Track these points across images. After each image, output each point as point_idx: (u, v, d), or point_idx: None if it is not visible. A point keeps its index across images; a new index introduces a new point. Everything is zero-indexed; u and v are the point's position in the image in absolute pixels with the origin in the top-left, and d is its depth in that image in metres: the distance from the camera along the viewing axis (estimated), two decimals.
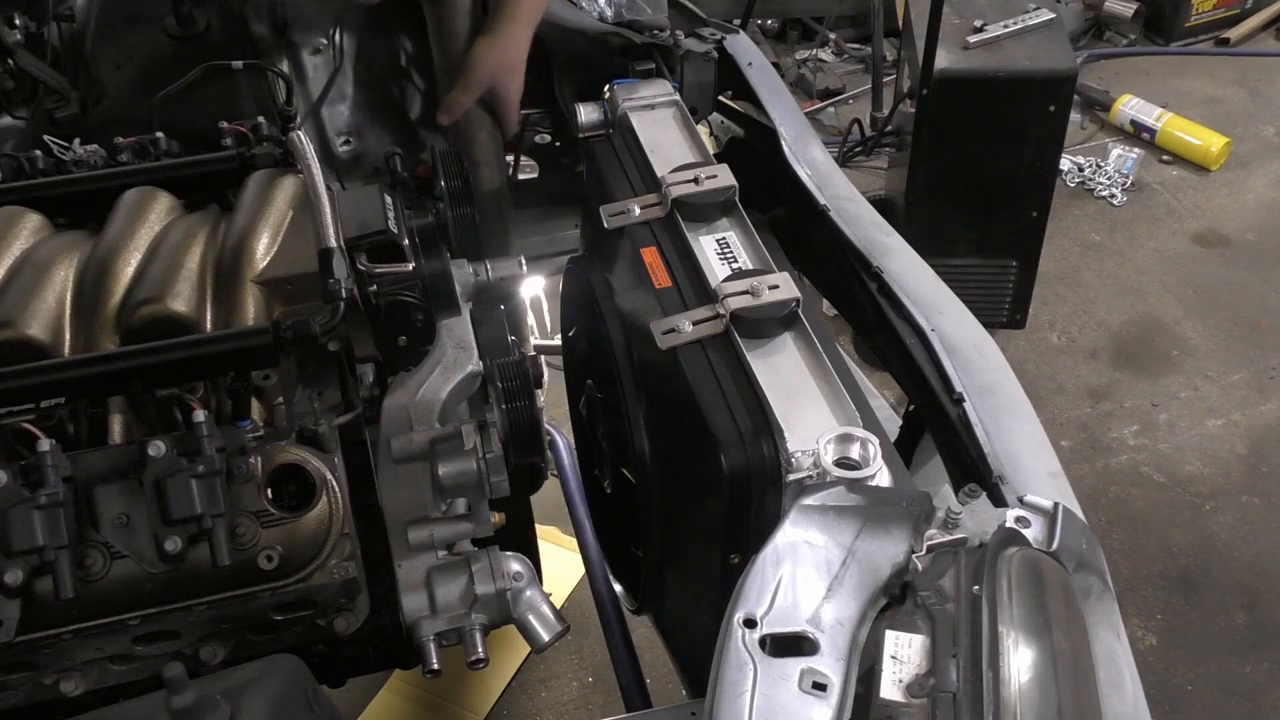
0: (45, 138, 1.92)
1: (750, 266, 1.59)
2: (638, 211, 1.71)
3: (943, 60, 3.09)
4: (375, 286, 1.54)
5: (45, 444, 1.33)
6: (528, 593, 1.54)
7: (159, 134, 1.87)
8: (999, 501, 1.37)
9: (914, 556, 1.14)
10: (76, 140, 1.89)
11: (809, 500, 1.19)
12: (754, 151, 2.17)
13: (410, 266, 1.57)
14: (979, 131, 3.18)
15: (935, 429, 1.62)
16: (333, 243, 1.48)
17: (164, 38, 2.20)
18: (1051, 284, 4.15)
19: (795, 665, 1.02)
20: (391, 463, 1.50)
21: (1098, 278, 4.27)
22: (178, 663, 1.11)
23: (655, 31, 2.06)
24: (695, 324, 1.49)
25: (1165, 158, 4.86)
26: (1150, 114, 4.89)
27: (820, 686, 1.01)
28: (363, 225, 1.56)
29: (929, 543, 1.16)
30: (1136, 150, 4.80)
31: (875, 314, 1.77)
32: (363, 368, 1.58)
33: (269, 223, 1.58)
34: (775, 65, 2.42)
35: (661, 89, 2.00)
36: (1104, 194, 4.67)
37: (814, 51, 5.44)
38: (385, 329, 1.57)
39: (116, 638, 1.42)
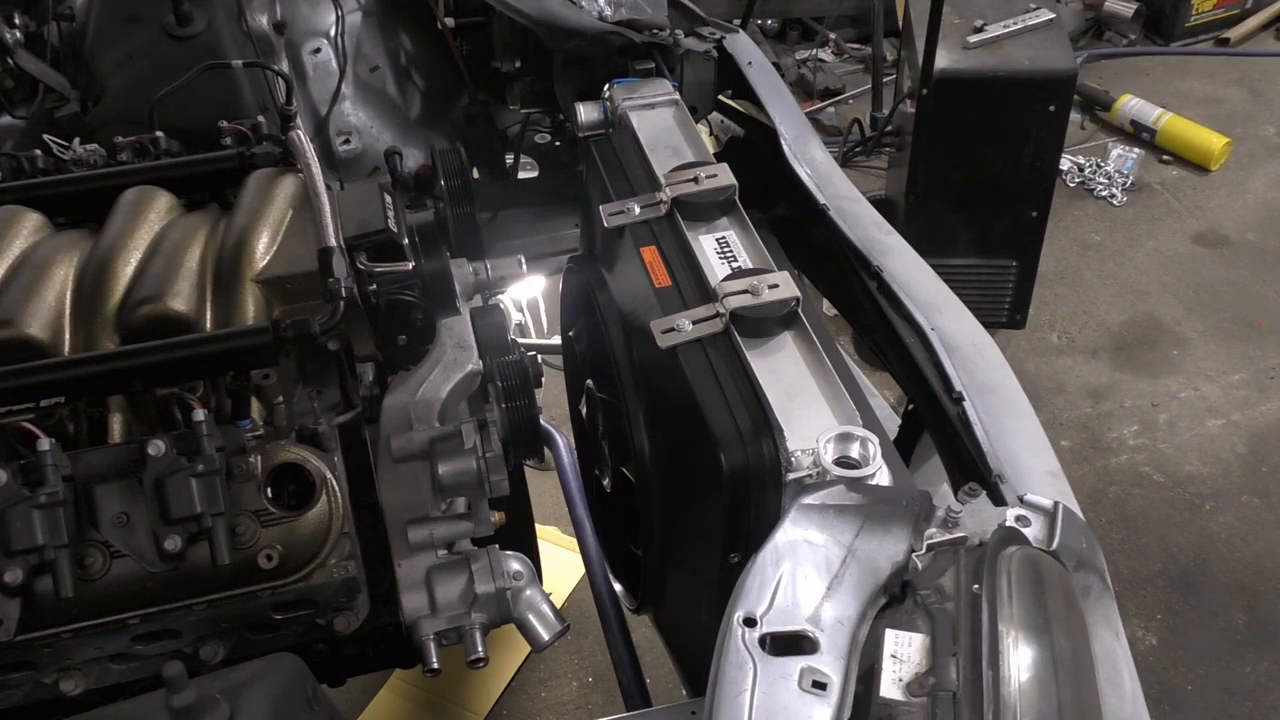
0: (45, 137, 1.92)
1: (750, 266, 1.58)
2: (637, 211, 1.71)
3: (943, 60, 3.09)
4: (375, 285, 1.54)
5: (45, 443, 1.33)
6: (527, 592, 1.54)
7: (159, 133, 1.87)
8: (998, 500, 1.36)
9: (914, 555, 1.14)
10: (76, 140, 1.90)
11: (809, 499, 1.19)
12: (754, 151, 2.17)
13: (410, 265, 1.57)
14: (979, 131, 3.18)
15: (935, 428, 1.62)
16: (332, 242, 1.48)
17: (164, 37, 2.20)
18: (1051, 284, 4.15)
19: (795, 664, 1.02)
20: (391, 462, 1.50)
21: (1098, 278, 4.26)
22: (177, 661, 1.11)
23: (655, 31, 2.05)
24: (695, 323, 1.49)
25: (1165, 158, 4.86)
26: (1150, 114, 4.89)
27: (820, 685, 1.01)
28: (362, 224, 1.56)
29: (929, 541, 1.16)
30: (1136, 150, 4.80)
31: (875, 313, 1.77)
32: (362, 367, 1.58)
33: (269, 222, 1.58)
34: (775, 65, 2.41)
35: (661, 88, 2.00)
36: (1104, 194, 4.67)
37: (814, 51, 5.44)
38: (385, 328, 1.57)
39: (116, 637, 1.42)
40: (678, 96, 1.98)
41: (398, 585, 1.51)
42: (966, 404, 1.53)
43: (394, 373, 1.60)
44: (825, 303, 2.23)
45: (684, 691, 1.84)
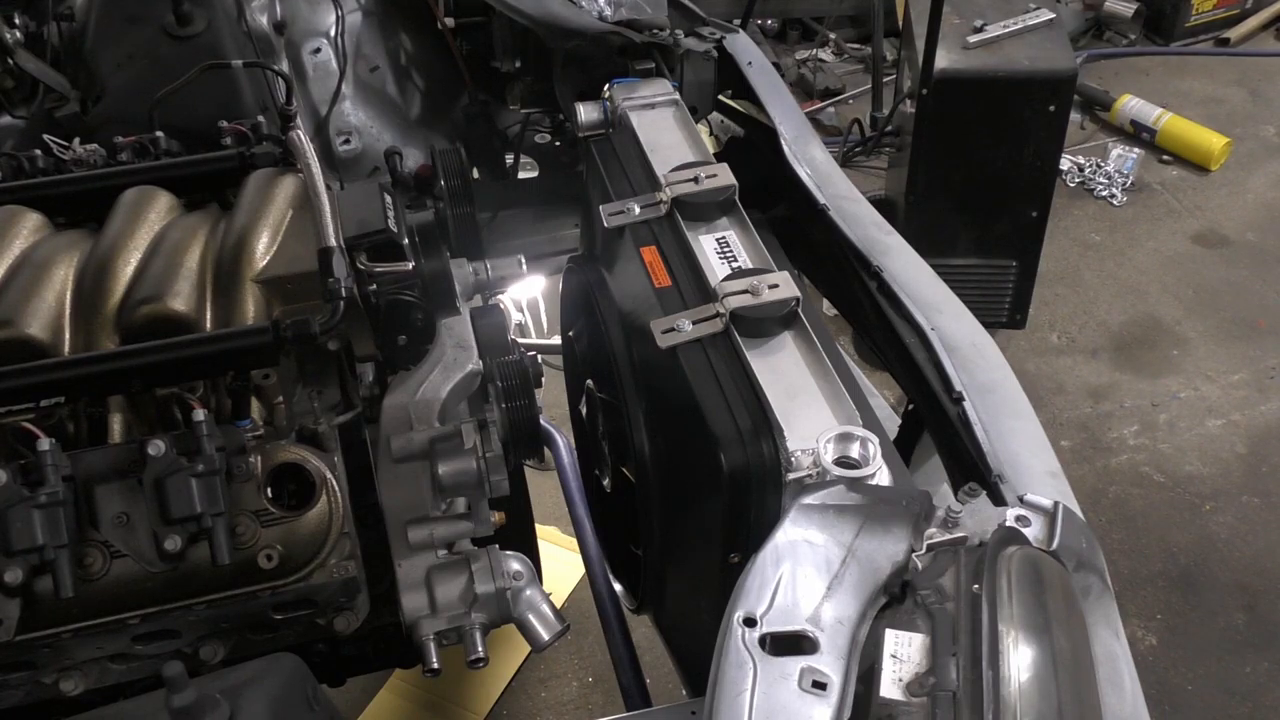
0: (45, 137, 1.92)
1: (750, 266, 1.58)
2: (637, 211, 1.71)
3: (943, 60, 3.09)
4: (375, 286, 1.54)
5: (45, 443, 1.33)
6: (527, 592, 1.54)
7: (159, 133, 1.87)
8: (998, 500, 1.37)
9: (914, 555, 1.14)
10: (76, 140, 1.90)
11: (809, 499, 1.19)
12: (754, 151, 2.17)
13: (410, 265, 1.56)
14: (979, 131, 3.18)
15: (935, 428, 1.62)
16: (332, 242, 1.48)
17: (164, 37, 2.20)
18: (1051, 284, 4.14)
19: (795, 664, 1.02)
20: (391, 462, 1.50)
21: (1098, 278, 4.26)
22: (177, 661, 1.11)
23: (655, 30, 2.05)
24: (695, 323, 1.49)
25: (1165, 158, 4.86)
26: (1150, 114, 4.88)
27: (820, 685, 1.01)
28: (363, 224, 1.56)
29: (929, 541, 1.16)
30: (1136, 150, 4.80)
31: (875, 313, 1.77)
32: (362, 367, 1.58)
33: (269, 222, 1.58)
34: (775, 65, 2.41)
35: (661, 88, 2.00)
36: (1104, 194, 4.67)
37: (814, 51, 5.44)
38: (385, 328, 1.57)
39: (116, 637, 1.42)
40: (678, 96, 1.98)
41: (398, 585, 1.51)
42: (966, 404, 1.53)
43: (394, 373, 1.60)
44: (825, 303, 2.23)
45: (684, 691, 1.84)
